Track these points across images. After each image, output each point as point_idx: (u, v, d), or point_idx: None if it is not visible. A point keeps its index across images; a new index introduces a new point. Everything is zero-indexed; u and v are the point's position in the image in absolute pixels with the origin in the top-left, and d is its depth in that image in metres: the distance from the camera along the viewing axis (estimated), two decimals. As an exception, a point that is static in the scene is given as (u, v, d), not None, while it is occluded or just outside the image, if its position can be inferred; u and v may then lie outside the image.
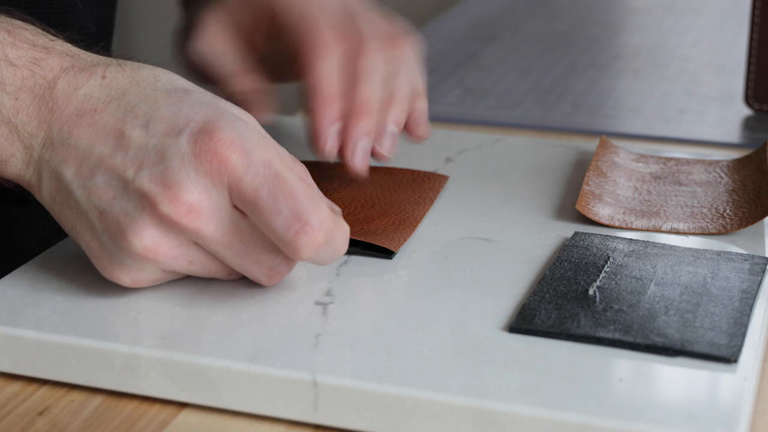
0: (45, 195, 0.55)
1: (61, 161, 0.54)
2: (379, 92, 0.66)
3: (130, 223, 0.52)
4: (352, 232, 0.61)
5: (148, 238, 0.52)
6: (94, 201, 0.53)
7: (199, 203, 0.52)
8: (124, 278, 0.54)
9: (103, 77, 0.55)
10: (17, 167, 0.55)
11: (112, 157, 0.53)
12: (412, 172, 0.71)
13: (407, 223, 0.64)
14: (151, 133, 0.53)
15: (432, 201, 0.67)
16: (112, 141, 0.54)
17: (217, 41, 0.74)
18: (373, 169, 0.70)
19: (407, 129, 0.70)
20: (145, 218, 0.52)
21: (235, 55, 0.74)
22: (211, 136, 0.52)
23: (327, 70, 0.66)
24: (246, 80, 0.73)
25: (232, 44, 0.74)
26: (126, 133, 0.53)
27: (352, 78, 0.66)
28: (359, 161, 0.65)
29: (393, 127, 0.67)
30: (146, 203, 0.52)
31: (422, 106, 0.70)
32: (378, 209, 0.65)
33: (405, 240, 0.62)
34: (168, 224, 0.52)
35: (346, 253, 0.60)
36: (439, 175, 0.71)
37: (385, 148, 0.66)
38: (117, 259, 0.54)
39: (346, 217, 0.64)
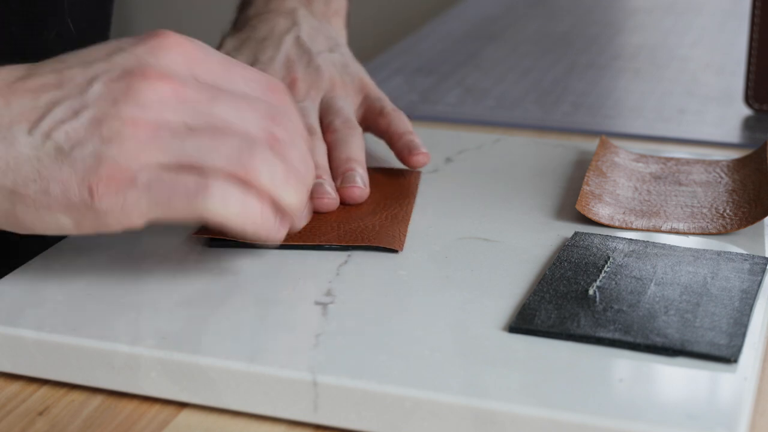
0: None
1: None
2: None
3: (128, 87, 0.53)
4: (352, 234, 0.61)
5: (153, 75, 0.53)
6: (63, 126, 0.53)
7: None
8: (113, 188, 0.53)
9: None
10: None
11: (58, 94, 0.53)
12: (383, 169, 0.72)
13: (399, 218, 0.64)
14: (84, 72, 0.54)
15: (414, 195, 0.68)
16: (53, 86, 0.54)
17: None
18: None
19: (405, 160, 0.71)
20: (139, 72, 0.53)
21: None
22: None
23: None
24: None
25: None
26: (62, 74, 0.54)
27: None
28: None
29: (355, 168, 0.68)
30: (128, 74, 0.53)
31: (414, 137, 0.71)
32: (366, 207, 0.66)
33: (404, 236, 0.62)
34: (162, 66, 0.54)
35: (350, 249, 0.60)
36: (411, 171, 0.72)
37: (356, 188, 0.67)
38: (107, 159, 0.52)
39: (338, 217, 0.64)
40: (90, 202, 0.52)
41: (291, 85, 0.73)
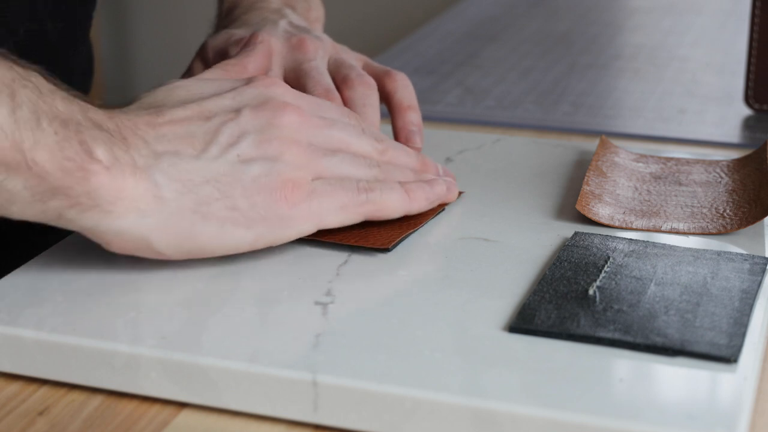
0: (167, 194, 0.56)
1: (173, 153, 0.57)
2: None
3: (271, 112, 0.60)
4: (344, 236, 0.61)
5: (285, 105, 0.60)
6: (233, 149, 0.58)
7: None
8: (300, 185, 0.58)
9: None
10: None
11: (211, 124, 0.59)
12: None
13: (406, 225, 0.63)
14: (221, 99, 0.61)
15: (437, 210, 0.66)
16: (198, 118, 0.59)
17: (200, 69, 0.76)
18: None
19: (400, 142, 0.71)
20: (275, 101, 0.60)
21: None
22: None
23: None
24: None
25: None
26: (200, 107, 0.60)
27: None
28: None
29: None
30: (266, 104, 0.60)
31: (415, 118, 0.72)
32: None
33: (399, 236, 0.62)
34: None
35: (345, 249, 0.60)
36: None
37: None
38: (283, 173, 0.58)
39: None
40: (281, 212, 0.58)
41: (300, 43, 0.73)
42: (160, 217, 0.55)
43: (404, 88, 0.73)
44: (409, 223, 0.64)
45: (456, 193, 0.67)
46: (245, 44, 0.71)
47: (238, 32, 0.75)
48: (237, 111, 0.60)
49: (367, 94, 0.71)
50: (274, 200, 0.58)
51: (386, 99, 0.73)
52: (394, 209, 0.62)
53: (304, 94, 0.63)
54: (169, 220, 0.56)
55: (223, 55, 0.74)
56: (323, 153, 0.61)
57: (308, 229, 0.59)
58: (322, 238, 0.61)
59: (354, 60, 0.75)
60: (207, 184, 0.57)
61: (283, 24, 0.76)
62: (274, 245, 0.59)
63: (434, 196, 0.64)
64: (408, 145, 0.71)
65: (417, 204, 0.63)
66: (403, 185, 0.63)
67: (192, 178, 0.56)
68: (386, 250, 0.61)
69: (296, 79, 0.71)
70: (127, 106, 0.60)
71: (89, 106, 0.56)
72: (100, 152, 0.54)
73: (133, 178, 0.55)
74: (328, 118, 0.63)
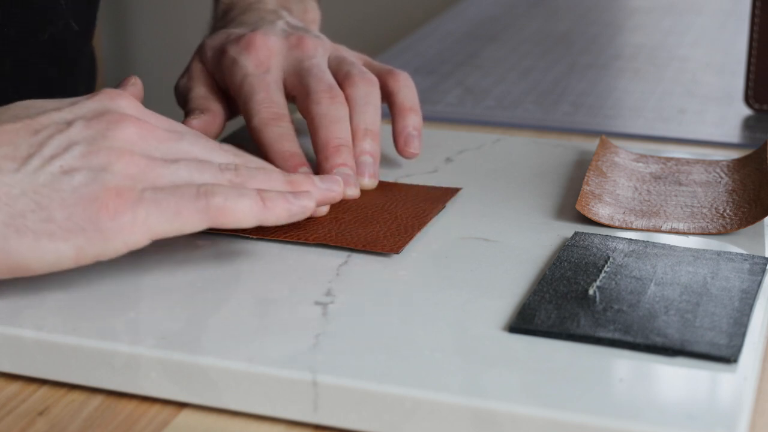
0: None
1: None
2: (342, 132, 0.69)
3: (106, 124, 0.56)
4: (352, 239, 0.61)
5: (125, 117, 0.57)
6: (56, 161, 0.55)
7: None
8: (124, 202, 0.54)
9: None
10: None
11: (39, 138, 0.56)
12: (425, 187, 0.70)
13: (410, 226, 0.63)
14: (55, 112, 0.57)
15: (439, 208, 0.67)
16: (27, 133, 0.56)
17: (192, 79, 0.76)
18: (384, 185, 0.70)
19: (398, 147, 0.71)
20: (113, 113, 0.57)
21: (204, 98, 0.74)
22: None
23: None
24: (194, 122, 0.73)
25: (203, 84, 0.76)
26: (33, 121, 0.56)
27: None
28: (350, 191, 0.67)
29: (367, 157, 0.69)
30: (103, 115, 0.56)
31: (416, 121, 0.72)
32: (382, 214, 0.65)
33: (408, 240, 0.62)
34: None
35: (348, 250, 0.60)
36: (451, 189, 0.70)
37: (366, 179, 0.68)
38: (106, 183, 0.54)
39: (351, 218, 0.64)
40: (100, 222, 0.53)
41: (299, 41, 0.73)
42: None
43: (407, 89, 0.73)
44: (413, 224, 0.64)
45: (356, 191, 0.66)
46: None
47: (237, 31, 0.75)
48: (69, 123, 0.56)
49: (369, 91, 0.70)
50: (93, 210, 0.53)
51: (388, 98, 0.73)
52: (243, 216, 0.56)
53: (154, 113, 0.60)
54: None
55: (221, 54, 0.73)
56: (162, 163, 0.57)
57: (138, 240, 0.54)
58: (328, 242, 0.61)
59: (355, 58, 0.75)
60: (24, 196, 0.53)
61: (280, 24, 0.76)
62: (102, 259, 0.55)
63: (298, 208, 0.58)
64: (406, 150, 0.71)
65: (273, 214, 0.57)
66: (261, 193, 0.57)
67: (9, 191, 0.53)
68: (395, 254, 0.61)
69: (297, 78, 0.71)
70: None
71: None
72: None
73: None
74: (177, 131, 0.59)
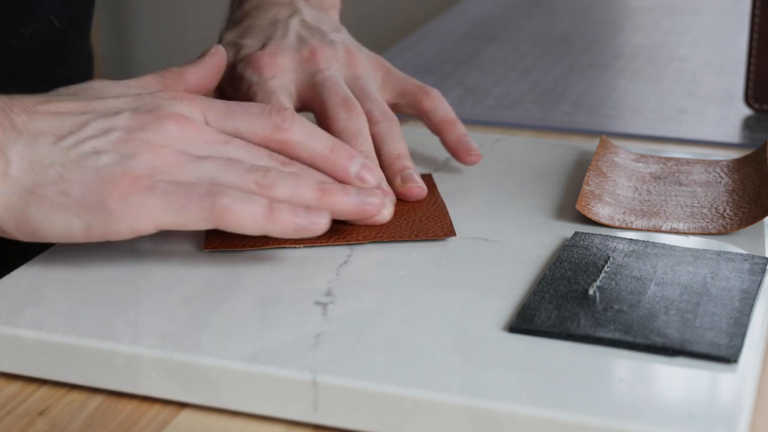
0: (13, 173, 0.56)
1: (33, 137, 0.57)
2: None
3: (154, 111, 0.58)
4: (399, 232, 0.62)
5: (176, 115, 0.58)
6: (91, 141, 0.57)
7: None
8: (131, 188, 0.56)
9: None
10: None
11: (83, 118, 0.58)
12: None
13: (438, 210, 0.65)
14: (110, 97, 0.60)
15: (437, 191, 0.69)
16: (77, 112, 0.59)
17: None
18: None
19: (460, 157, 0.72)
20: (161, 105, 0.59)
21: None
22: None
23: None
24: None
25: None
26: (87, 103, 0.59)
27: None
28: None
29: (410, 171, 0.68)
30: (153, 111, 0.58)
31: (464, 130, 0.73)
32: (400, 205, 0.66)
33: (450, 221, 0.64)
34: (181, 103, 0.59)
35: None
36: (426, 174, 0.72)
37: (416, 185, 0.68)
38: (128, 169, 0.56)
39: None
40: (110, 203, 0.55)
41: (311, 55, 0.72)
42: (3, 194, 0.56)
43: (443, 104, 0.74)
44: (436, 208, 0.66)
45: (388, 214, 0.63)
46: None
47: (247, 44, 0.74)
48: (118, 112, 0.59)
49: (391, 127, 0.70)
50: (106, 190, 0.55)
51: (425, 116, 0.73)
52: (246, 222, 0.56)
53: (228, 103, 0.61)
54: (10, 198, 0.56)
55: (230, 70, 0.73)
56: (191, 159, 0.58)
57: (144, 227, 0.56)
58: (378, 239, 0.62)
59: (372, 72, 0.74)
60: (51, 167, 0.56)
61: (294, 26, 0.75)
62: (112, 239, 0.56)
63: (307, 223, 0.57)
64: (469, 157, 0.72)
65: (278, 225, 0.56)
66: (273, 203, 0.57)
67: (41, 161, 0.56)
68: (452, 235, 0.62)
69: (312, 93, 0.71)
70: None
71: None
72: None
73: None
74: (230, 136, 0.60)
